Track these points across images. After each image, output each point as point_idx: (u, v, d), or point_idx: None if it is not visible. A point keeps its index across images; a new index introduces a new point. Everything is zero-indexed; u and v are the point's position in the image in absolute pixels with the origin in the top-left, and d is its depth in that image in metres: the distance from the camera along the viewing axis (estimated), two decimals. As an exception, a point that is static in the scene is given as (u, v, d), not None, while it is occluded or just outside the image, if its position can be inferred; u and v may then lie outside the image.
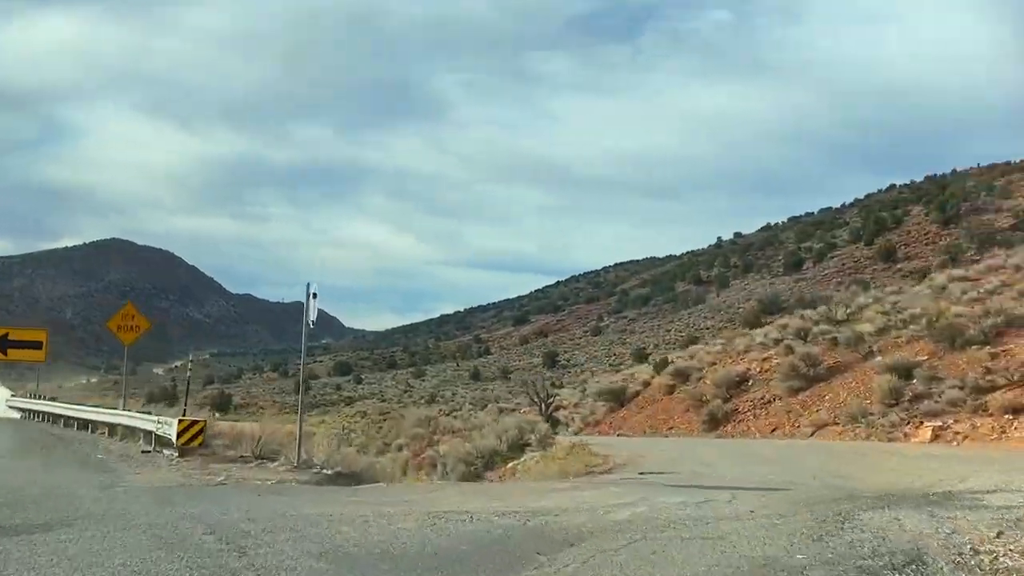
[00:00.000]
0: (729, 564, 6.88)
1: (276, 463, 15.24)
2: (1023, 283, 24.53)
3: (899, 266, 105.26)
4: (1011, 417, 16.83)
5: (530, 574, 6.62)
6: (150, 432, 18.63)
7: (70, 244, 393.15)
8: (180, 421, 16.66)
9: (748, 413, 24.92)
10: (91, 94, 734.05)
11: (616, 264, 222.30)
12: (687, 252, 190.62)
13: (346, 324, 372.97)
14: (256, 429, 18.49)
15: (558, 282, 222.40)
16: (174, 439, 16.50)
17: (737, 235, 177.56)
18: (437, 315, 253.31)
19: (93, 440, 22.67)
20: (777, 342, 29.03)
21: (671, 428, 27.55)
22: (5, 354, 25.78)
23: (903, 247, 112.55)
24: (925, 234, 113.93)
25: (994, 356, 20.03)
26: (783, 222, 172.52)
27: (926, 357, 21.88)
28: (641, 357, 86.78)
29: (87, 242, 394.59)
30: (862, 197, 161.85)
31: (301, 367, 17.19)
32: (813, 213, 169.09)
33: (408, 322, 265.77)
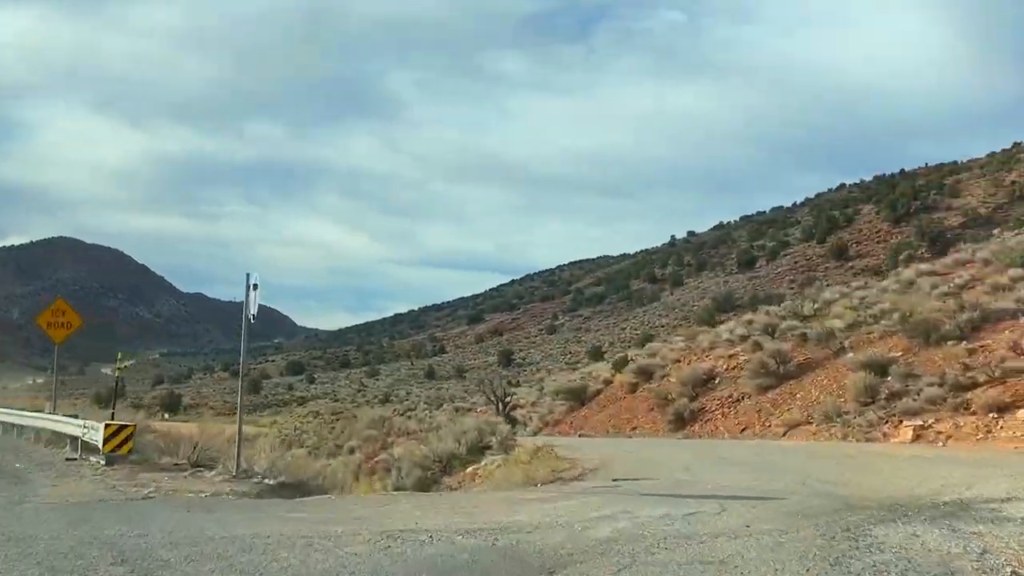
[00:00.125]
0: (745, 599, 5.77)
1: (213, 472, 13.83)
2: (994, 277, 23.88)
3: (851, 264, 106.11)
4: (996, 416, 16.02)
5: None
6: (77, 438, 17.08)
7: (17, 242, 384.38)
8: (107, 426, 15.11)
9: (716, 412, 23.99)
10: (41, 91, 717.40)
11: (571, 263, 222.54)
12: (641, 251, 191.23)
13: (299, 323, 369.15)
14: (195, 432, 16.97)
15: (513, 281, 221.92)
16: (100, 445, 15.00)
17: (691, 234, 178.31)
18: (391, 314, 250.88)
19: (17, 446, 20.92)
20: (744, 338, 28.17)
21: (635, 428, 26.56)
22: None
23: (855, 245, 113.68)
24: (876, 232, 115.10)
25: (972, 352, 19.29)
26: (736, 221, 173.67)
27: (900, 353, 21.11)
28: (597, 355, 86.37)
29: (34, 240, 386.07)
30: (813, 196, 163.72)
31: (241, 365, 15.73)
32: (765, 212, 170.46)
33: (362, 321, 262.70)
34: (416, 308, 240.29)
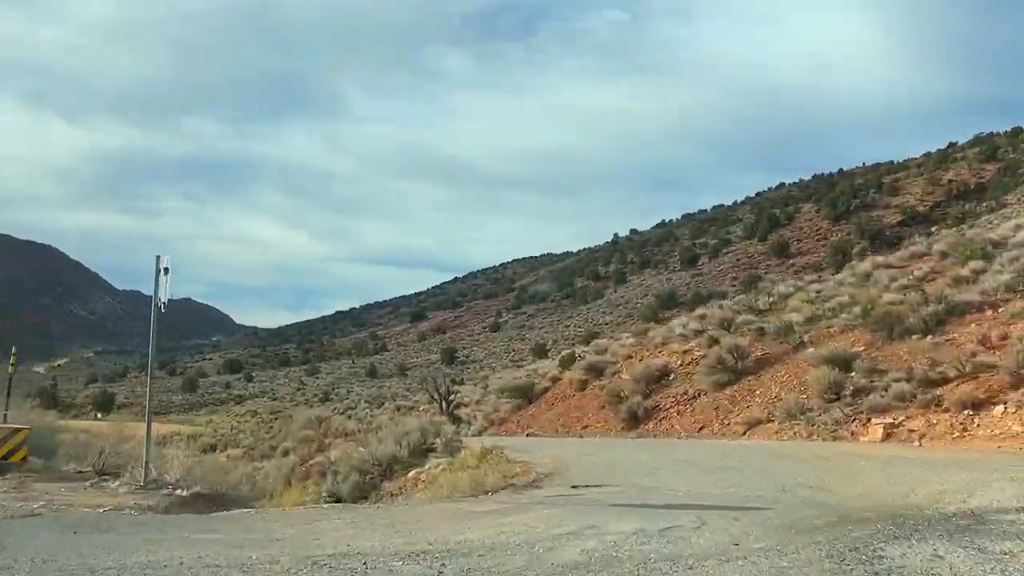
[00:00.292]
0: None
1: (119, 481, 12.18)
2: (956, 270, 23.20)
3: (792, 261, 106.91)
4: (971, 413, 15.13)
5: None
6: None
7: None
8: (-3, 429, 13.33)
9: (671, 410, 22.88)
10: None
11: (514, 260, 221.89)
12: (584, 249, 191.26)
13: (238, 321, 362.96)
14: (106, 435, 15.18)
15: (456, 278, 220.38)
16: (-9, 453, 13.22)
17: (633, 232, 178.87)
18: (332, 312, 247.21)
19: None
20: (698, 333, 27.15)
21: (586, 427, 25.36)
22: None
23: (796, 243, 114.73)
24: (817, 230, 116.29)
25: (938, 346, 18.45)
26: (678, 219, 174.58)
27: (863, 348, 20.24)
28: (541, 353, 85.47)
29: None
30: (754, 195, 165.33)
31: (150, 360, 13.93)
32: (707, 210, 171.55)
33: (302, 319, 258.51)
34: (358, 306, 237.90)
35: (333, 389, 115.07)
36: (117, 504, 10.40)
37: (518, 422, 29.95)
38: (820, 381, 18.75)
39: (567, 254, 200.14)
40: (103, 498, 10.92)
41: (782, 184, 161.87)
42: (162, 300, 11.69)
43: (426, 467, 15.87)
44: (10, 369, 15.50)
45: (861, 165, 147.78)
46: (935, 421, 15.45)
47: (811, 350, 21.26)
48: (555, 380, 32.48)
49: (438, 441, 17.48)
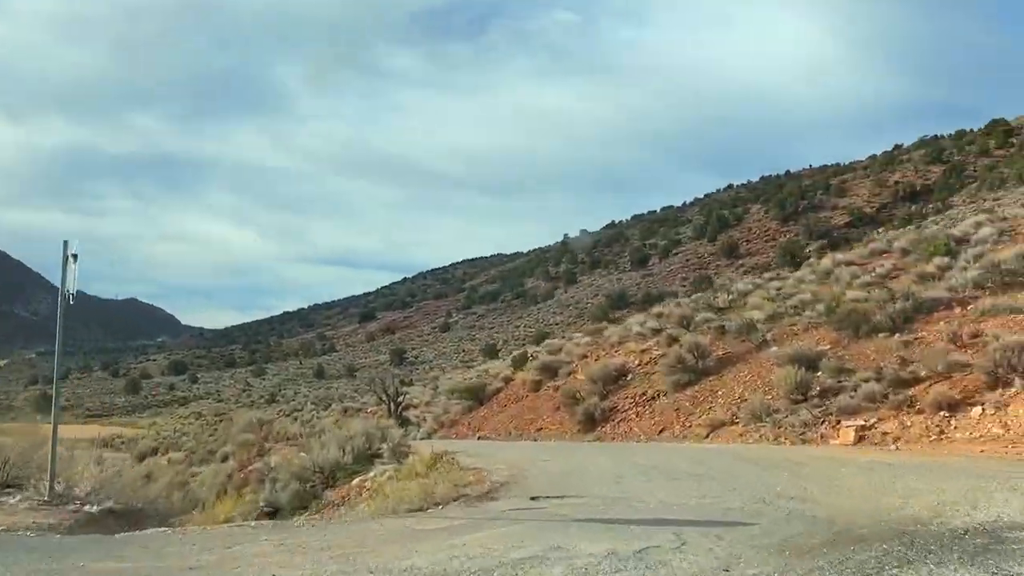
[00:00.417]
0: None
1: (21, 495, 10.80)
2: (920, 266, 22.65)
3: (742, 261, 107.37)
4: (947, 415, 14.43)
5: None
6: None
7: None
8: None
9: (630, 412, 21.94)
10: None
11: (464, 260, 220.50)
12: (535, 249, 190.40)
13: (183, 322, 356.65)
14: (10, 442, 13.67)
15: (405, 279, 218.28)
16: None
17: (584, 232, 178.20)
18: (280, 312, 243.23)
19: None
20: (656, 332, 26.28)
21: (540, 429, 24.35)
22: None
23: (745, 243, 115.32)
24: (765, 231, 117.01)
25: (907, 344, 17.80)
26: (628, 220, 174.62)
27: (829, 346, 19.53)
28: (492, 353, 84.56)
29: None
30: (703, 196, 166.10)
31: (56, 355, 12.48)
32: (656, 211, 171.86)
33: (249, 320, 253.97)
34: (305, 306, 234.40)
35: (280, 391, 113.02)
36: (12, 524, 9.04)
37: (469, 424, 28.87)
38: (786, 381, 17.99)
39: (517, 254, 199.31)
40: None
41: (731, 185, 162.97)
42: (71, 290, 10.40)
43: (371, 474, 14.77)
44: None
45: (808, 167, 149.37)
46: (909, 423, 14.73)
47: (775, 349, 20.52)
48: (507, 381, 31.45)
49: (385, 446, 16.37)
